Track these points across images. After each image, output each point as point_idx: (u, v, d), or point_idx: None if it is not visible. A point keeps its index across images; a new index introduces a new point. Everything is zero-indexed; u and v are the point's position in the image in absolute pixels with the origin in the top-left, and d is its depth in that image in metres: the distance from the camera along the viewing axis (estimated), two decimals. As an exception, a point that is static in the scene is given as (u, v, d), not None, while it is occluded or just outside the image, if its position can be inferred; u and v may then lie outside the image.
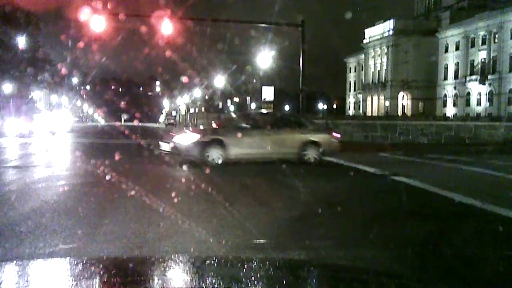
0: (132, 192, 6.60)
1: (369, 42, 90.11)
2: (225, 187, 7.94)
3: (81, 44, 41.77)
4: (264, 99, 25.53)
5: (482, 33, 69.83)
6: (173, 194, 6.82)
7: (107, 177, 8.12)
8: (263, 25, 28.08)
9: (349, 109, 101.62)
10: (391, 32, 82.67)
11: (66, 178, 8.76)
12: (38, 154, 14.98)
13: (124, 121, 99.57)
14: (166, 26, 20.29)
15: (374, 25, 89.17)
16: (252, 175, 9.85)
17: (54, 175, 8.94)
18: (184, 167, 10.61)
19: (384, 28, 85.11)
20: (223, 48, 51.83)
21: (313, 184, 8.56)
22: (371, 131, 22.06)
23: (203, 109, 71.90)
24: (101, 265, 1.77)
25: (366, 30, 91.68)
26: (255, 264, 1.87)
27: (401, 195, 7.28)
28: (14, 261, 2.60)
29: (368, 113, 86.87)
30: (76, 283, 1.51)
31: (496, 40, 67.26)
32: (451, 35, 76.22)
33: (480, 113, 66.31)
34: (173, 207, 5.70)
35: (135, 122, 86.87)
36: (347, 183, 9.14)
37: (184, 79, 67.84)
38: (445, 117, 58.68)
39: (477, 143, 20.38)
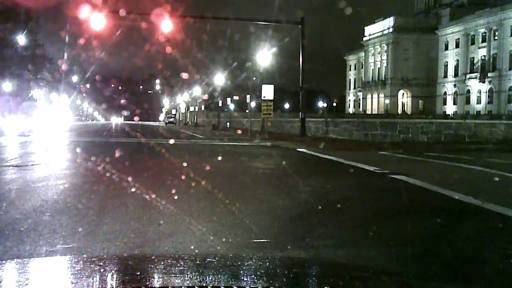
0: (133, 190, 6.61)
1: (369, 39, 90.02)
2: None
3: (81, 41, 41.80)
4: (264, 97, 25.49)
5: (482, 30, 69.76)
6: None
7: (107, 175, 8.13)
8: (263, 23, 28.16)
9: (349, 107, 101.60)
10: (391, 30, 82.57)
11: (66, 177, 8.77)
12: (38, 152, 14.98)
13: (124, 118, 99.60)
14: (166, 24, 20.30)
15: (374, 22, 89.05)
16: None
17: (54, 174, 8.94)
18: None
19: (384, 25, 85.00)
20: (223, 44, 51.82)
21: (312, 182, 8.56)
22: (370, 129, 22.03)
23: (203, 107, 71.84)
24: (101, 263, 1.77)
25: (366, 28, 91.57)
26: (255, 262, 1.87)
27: (400, 194, 7.28)
28: (14, 260, 2.60)
29: (368, 111, 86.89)
30: (76, 281, 1.51)
31: (496, 38, 67.20)
32: (451, 33, 76.16)
33: (480, 111, 66.31)
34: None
35: (135, 120, 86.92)
36: (346, 181, 9.14)
37: (184, 75, 67.85)
38: (445, 115, 58.69)
39: (477, 141, 20.37)
